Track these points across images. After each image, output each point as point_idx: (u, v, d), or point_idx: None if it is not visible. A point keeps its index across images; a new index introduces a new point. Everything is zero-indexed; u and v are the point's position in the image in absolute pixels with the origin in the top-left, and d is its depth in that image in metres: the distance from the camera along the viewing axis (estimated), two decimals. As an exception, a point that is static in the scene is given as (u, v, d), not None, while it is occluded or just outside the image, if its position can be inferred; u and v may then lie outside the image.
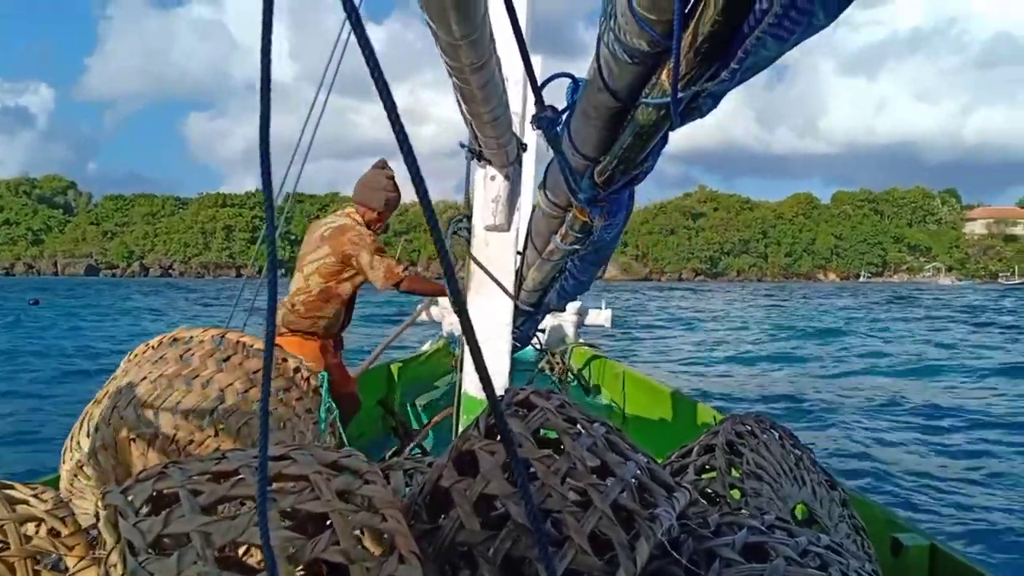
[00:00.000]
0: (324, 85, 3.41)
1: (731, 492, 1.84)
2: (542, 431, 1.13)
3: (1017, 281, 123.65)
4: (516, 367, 7.29)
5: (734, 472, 1.89)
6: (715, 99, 0.97)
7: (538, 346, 7.88)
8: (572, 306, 8.83)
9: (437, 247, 0.54)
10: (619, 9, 0.91)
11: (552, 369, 7.88)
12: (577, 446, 1.06)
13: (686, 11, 0.84)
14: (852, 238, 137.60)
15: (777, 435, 2.17)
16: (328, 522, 0.89)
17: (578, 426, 1.15)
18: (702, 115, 1.02)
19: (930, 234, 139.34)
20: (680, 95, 0.92)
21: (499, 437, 1.16)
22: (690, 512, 1.19)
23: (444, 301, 6.87)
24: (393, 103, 0.49)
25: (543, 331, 8.14)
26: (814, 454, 2.27)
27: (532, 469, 1.05)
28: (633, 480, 1.06)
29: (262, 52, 0.52)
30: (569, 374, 7.89)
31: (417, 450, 5.08)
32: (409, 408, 6.28)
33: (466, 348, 3.07)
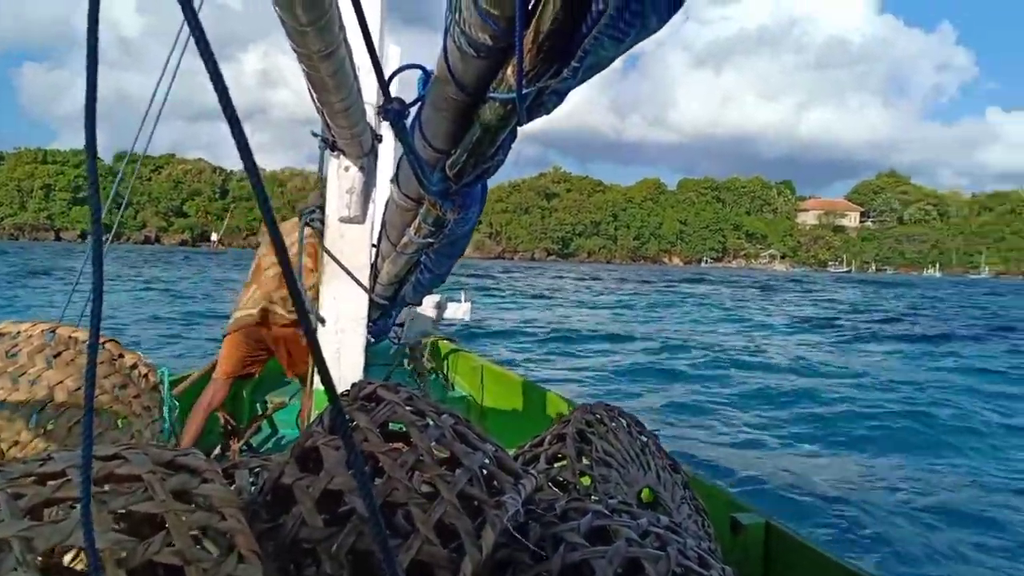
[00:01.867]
0: (178, 45, 3.21)
1: (581, 479, 1.90)
2: (392, 424, 1.13)
3: (845, 269, 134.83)
4: (375, 361, 7.22)
5: (584, 460, 1.95)
6: (559, 96, 0.99)
7: (396, 340, 7.83)
8: (431, 299, 8.82)
9: (273, 238, 0.53)
10: (464, 3, 0.91)
11: (410, 363, 7.85)
12: (424, 438, 1.07)
13: (529, 7, 0.86)
14: (696, 224, 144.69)
15: (625, 423, 2.26)
16: (163, 523, 0.85)
17: (427, 418, 1.15)
18: (548, 111, 1.05)
19: (767, 223, 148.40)
20: (525, 91, 0.94)
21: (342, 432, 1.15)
22: (537, 499, 1.22)
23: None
24: (227, 93, 0.47)
25: (401, 325, 8.08)
26: (659, 439, 2.38)
27: (379, 463, 1.04)
28: (480, 469, 1.08)
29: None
30: (428, 367, 7.89)
31: (246, 447, 4.92)
32: (260, 406, 6.10)
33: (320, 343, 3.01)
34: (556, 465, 1.96)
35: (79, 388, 1.73)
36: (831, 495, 7.29)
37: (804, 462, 8.54)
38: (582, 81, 0.95)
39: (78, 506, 0.87)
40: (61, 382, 1.73)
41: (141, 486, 0.89)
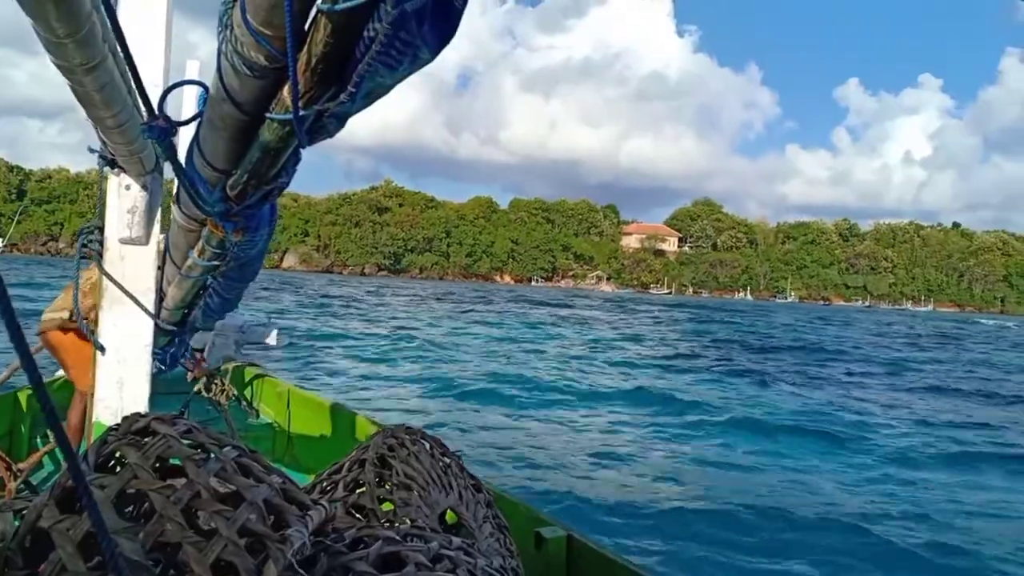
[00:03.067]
0: None
1: (383, 504, 1.88)
2: (171, 459, 1.07)
3: (665, 291, 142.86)
4: (169, 390, 6.79)
5: (386, 484, 1.94)
6: (340, 119, 0.98)
7: (192, 367, 7.42)
8: (234, 323, 8.45)
9: None
10: (235, 21, 0.89)
11: (210, 391, 7.45)
12: (202, 472, 1.02)
13: (306, 27, 0.85)
14: (527, 243, 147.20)
15: (428, 445, 2.26)
16: None
17: (207, 451, 1.10)
18: (330, 134, 1.03)
19: (593, 245, 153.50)
20: (303, 113, 0.92)
21: (114, 467, 1.08)
22: (328, 529, 1.20)
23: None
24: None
25: (201, 350, 7.66)
26: (462, 460, 2.40)
27: (149, 502, 0.99)
28: (264, 503, 1.04)
29: None
30: (230, 394, 7.53)
31: (24, 486, 4.56)
32: (41, 441, 5.58)
33: (100, 372, 2.78)
34: (356, 492, 1.93)
35: None
36: (634, 506, 7.74)
37: (607, 477, 8.99)
38: (363, 107, 0.95)
39: None
40: None
41: None
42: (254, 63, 0.93)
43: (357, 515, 1.83)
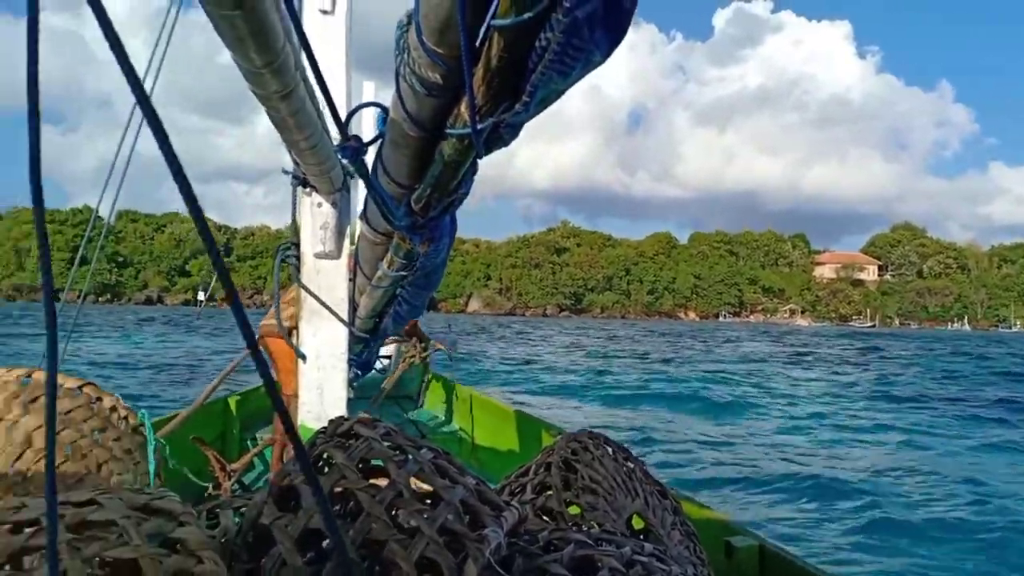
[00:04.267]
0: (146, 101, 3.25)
1: (570, 508, 1.89)
2: (373, 461, 1.13)
3: (869, 324, 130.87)
4: (361, 395, 7.19)
5: (571, 488, 1.95)
6: (515, 129, 1.01)
7: (382, 372, 7.82)
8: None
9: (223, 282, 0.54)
10: (412, 44, 0.93)
11: (398, 396, 7.82)
12: (403, 473, 1.07)
13: (478, 44, 0.88)
14: (710, 278, 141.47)
15: (610, 450, 2.26)
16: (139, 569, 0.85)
17: (405, 453, 1.15)
18: (506, 144, 1.06)
19: (783, 276, 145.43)
20: (480, 127, 0.95)
21: (323, 468, 1.15)
22: (521, 531, 1.22)
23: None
24: (161, 126, 0.49)
25: (388, 357, 8.07)
26: (646, 466, 2.38)
27: (355, 501, 1.04)
28: (460, 503, 1.08)
29: (29, 62, 0.51)
30: (417, 400, 7.89)
31: (237, 486, 4.95)
32: (251, 443, 6.06)
33: (302, 378, 2.99)
34: (543, 495, 1.96)
35: (58, 432, 1.72)
36: (828, 518, 7.31)
37: (802, 490, 8.55)
38: (535, 114, 0.97)
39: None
40: (39, 427, 1.71)
41: (116, 531, 0.89)
42: (431, 82, 0.98)
43: (544, 518, 1.86)
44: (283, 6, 1.01)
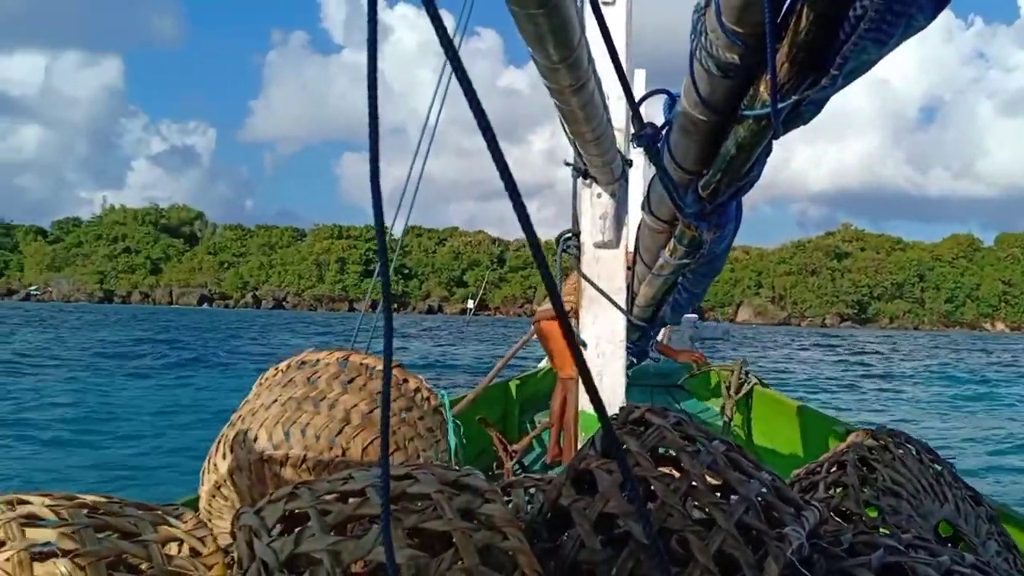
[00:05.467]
0: (428, 127, 3.56)
1: (866, 510, 1.77)
2: (660, 449, 1.12)
3: None
4: (635, 382, 7.23)
5: (867, 489, 1.81)
6: (817, 105, 0.95)
7: (656, 360, 7.79)
8: (689, 318, 8.69)
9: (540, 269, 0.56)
10: (709, 25, 0.91)
11: (671, 384, 7.77)
12: (696, 464, 1.05)
13: (777, 21, 0.84)
14: (1023, 284, 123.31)
15: (914, 449, 2.06)
16: (450, 540, 0.92)
17: (697, 444, 1.13)
18: (805, 122, 1.01)
19: None
20: (780, 105, 0.91)
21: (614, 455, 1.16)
22: (821, 531, 1.15)
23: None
24: (491, 132, 0.52)
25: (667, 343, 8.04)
26: (955, 469, 2.15)
27: (650, 488, 1.04)
28: (758, 498, 1.04)
29: (368, 80, 0.56)
30: (688, 389, 7.77)
31: (518, 466, 5.18)
32: (529, 425, 6.34)
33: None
34: (835, 494, 1.84)
35: (371, 411, 1.90)
36: None
37: None
38: (841, 87, 0.90)
39: (375, 523, 0.97)
40: (356, 405, 1.89)
41: (430, 504, 0.97)
42: (728, 63, 0.95)
43: (837, 520, 1.74)
44: (579, 2, 1.03)
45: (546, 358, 8.63)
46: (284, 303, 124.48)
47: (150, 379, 18.05)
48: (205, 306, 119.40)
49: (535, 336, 5.53)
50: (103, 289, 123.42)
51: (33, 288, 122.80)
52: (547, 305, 5.31)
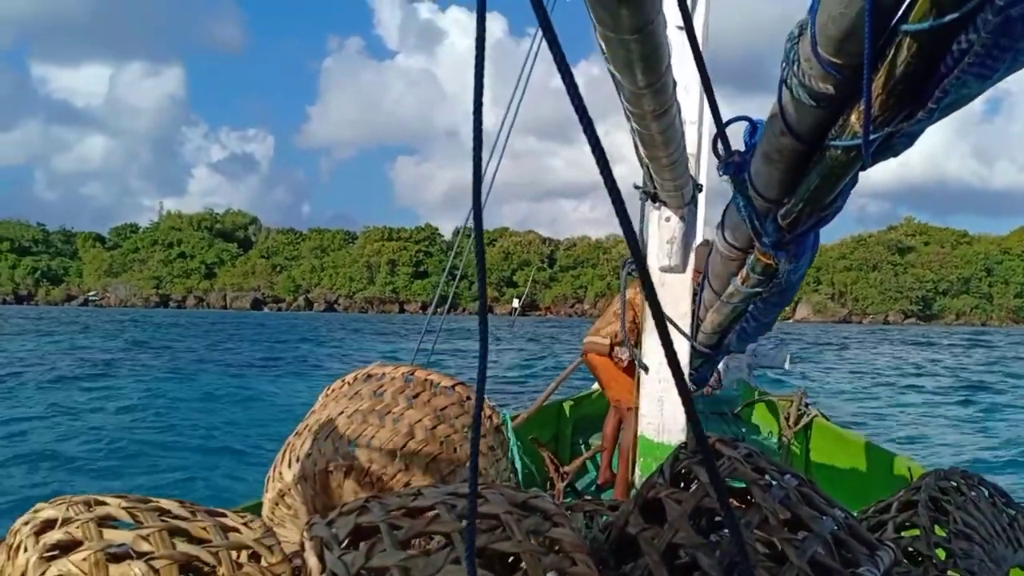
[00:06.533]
0: (504, 127, 3.56)
1: (937, 552, 1.71)
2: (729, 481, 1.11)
3: None
4: (698, 409, 7.11)
5: (938, 531, 1.76)
6: (911, 138, 0.93)
7: (714, 387, 7.67)
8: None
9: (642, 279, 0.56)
10: (803, 55, 0.90)
11: (730, 413, 7.63)
12: (768, 497, 1.04)
13: (875, 52, 0.82)
14: None
15: (987, 492, 2.00)
16: (517, 562, 0.91)
17: (768, 477, 1.12)
18: (895, 154, 0.99)
19: None
20: (872, 136, 0.89)
21: (686, 484, 1.15)
22: (895, 572, 1.12)
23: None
24: (595, 133, 0.52)
25: (717, 371, 7.89)
26: None
27: (720, 519, 1.03)
28: (830, 536, 1.02)
29: (475, 95, 0.57)
30: (748, 419, 7.61)
31: (569, 488, 5.14)
32: (583, 447, 6.30)
33: (643, 389, 3.03)
34: (904, 535, 1.79)
35: (435, 426, 1.91)
36: None
37: None
38: (937, 120, 0.88)
39: (439, 539, 0.97)
40: (420, 420, 1.90)
41: (499, 525, 0.97)
42: (820, 93, 0.94)
43: (907, 561, 1.69)
44: (672, 29, 1.03)
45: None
46: (336, 305, 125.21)
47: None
48: (265, 309, 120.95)
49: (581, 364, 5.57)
50: (159, 294, 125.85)
51: (92, 293, 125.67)
52: (593, 337, 5.28)
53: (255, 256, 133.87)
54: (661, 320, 0.51)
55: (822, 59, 0.87)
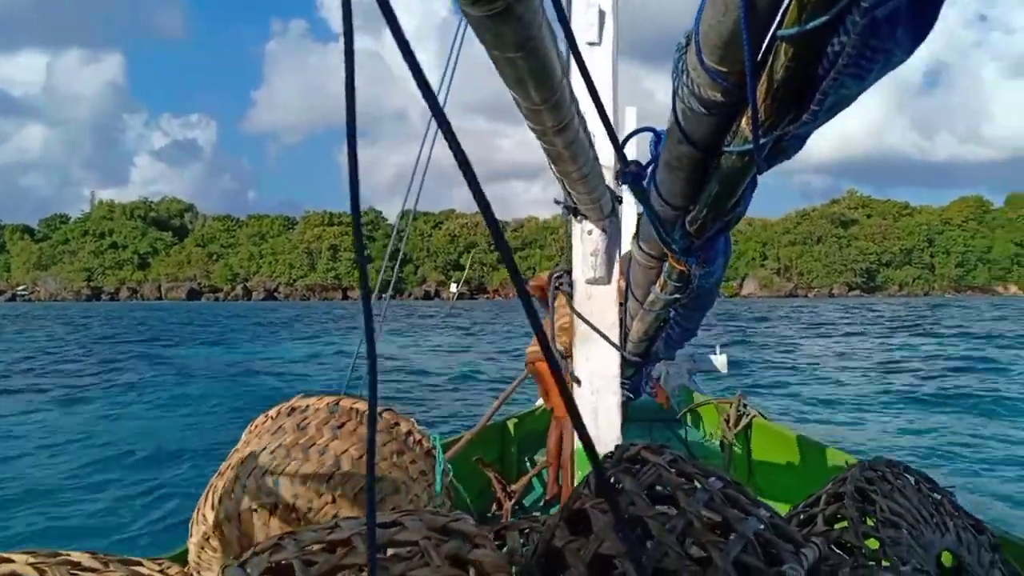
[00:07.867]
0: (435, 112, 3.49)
1: (867, 542, 1.75)
2: (657, 487, 1.11)
3: None
4: (632, 418, 7.18)
5: (868, 521, 1.80)
6: (801, 140, 0.96)
7: (651, 395, 7.77)
8: (686, 351, 8.66)
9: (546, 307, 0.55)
10: (690, 64, 0.92)
11: (668, 419, 7.73)
12: (693, 502, 1.04)
13: (757, 59, 0.84)
14: None
15: (912, 480, 2.05)
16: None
17: (694, 481, 1.12)
18: (788, 157, 1.01)
19: None
20: (762, 141, 0.91)
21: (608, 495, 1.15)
22: (823, 567, 1.14)
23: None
24: (446, 121, 0.51)
25: (657, 379, 8.00)
26: (955, 497, 2.13)
27: (647, 527, 1.03)
28: (755, 536, 1.03)
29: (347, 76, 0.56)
30: (687, 423, 7.71)
31: (517, 506, 5.12)
32: (528, 464, 6.28)
33: (576, 401, 3.06)
34: (835, 527, 1.82)
35: (362, 456, 1.87)
36: None
37: None
38: (823, 122, 0.91)
39: (364, 572, 0.95)
40: (346, 451, 1.87)
41: (418, 552, 0.95)
42: (710, 101, 0.96)
43: (838, 553, 1.73)
44: (560, 44, 1.04)
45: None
46: (276, 294, 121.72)
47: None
48: (203, 300, 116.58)
49: (529, 375, 5.52)
50: (91, 286, 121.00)
51: (20, 288, 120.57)
52: (536, 347, 5.30)
53: (190, 245, 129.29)
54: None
55: (708, 68, 0.89)
